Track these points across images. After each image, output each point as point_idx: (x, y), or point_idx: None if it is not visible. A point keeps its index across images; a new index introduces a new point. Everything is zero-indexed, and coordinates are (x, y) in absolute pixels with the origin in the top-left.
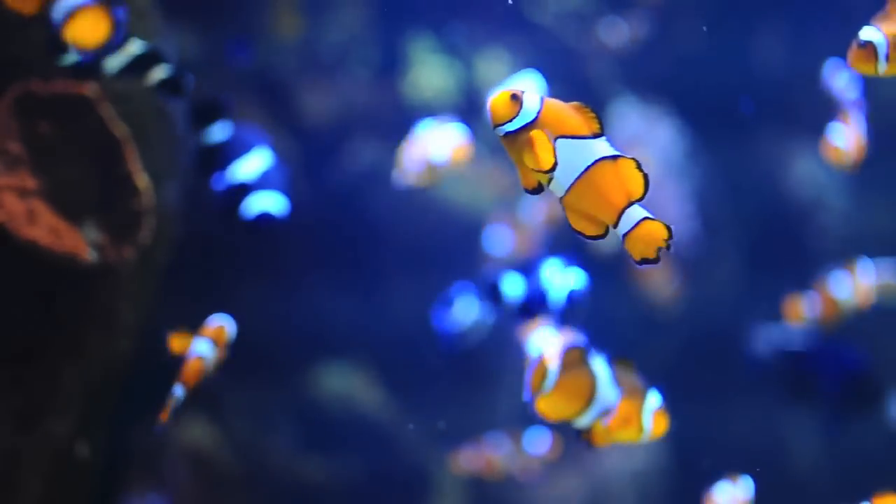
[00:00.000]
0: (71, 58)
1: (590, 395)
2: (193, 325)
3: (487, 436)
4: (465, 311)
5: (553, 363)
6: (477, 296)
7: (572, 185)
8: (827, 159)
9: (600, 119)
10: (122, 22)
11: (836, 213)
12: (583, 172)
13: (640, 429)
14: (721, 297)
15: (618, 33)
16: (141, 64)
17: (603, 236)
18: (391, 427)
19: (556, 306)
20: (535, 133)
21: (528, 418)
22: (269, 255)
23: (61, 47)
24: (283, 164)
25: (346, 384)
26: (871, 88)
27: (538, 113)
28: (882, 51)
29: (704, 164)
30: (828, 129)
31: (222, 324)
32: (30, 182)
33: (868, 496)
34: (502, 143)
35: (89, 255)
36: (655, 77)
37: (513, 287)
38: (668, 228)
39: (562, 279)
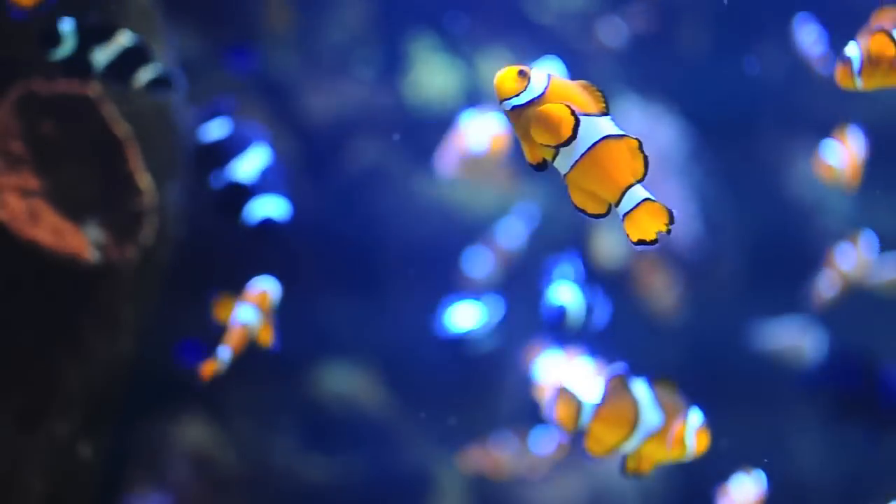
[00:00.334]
0: (63, 52)
1: (634, 421)
2: (195, 325)
3: (494, 435)
4: (468, 315)
5: (585, 396)
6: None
7: (577, 161)
8: (819, 177)
9: (606, 98)
10: None
11: (838, 216)
12: (588, 149)
13: (684, 448)
14: (723, 300)
15: (617, 32)
16: (130, 59)
17: (604, 215)
18: (393, 427)
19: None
20: (550, 107)
21: (530, 418)
22: (271, 255)
23: (53, 41)
24: (281, 161)
25: (349, 384)
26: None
27: (546, 88)
28: (856, 66)
29: (706, 164)
30: (821, 146)
31: (266, 288)
32: (32, 182)
33: None
34: (508, 117)
35: (91, 254)
36: (658, 77)
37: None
38: (670, 212)
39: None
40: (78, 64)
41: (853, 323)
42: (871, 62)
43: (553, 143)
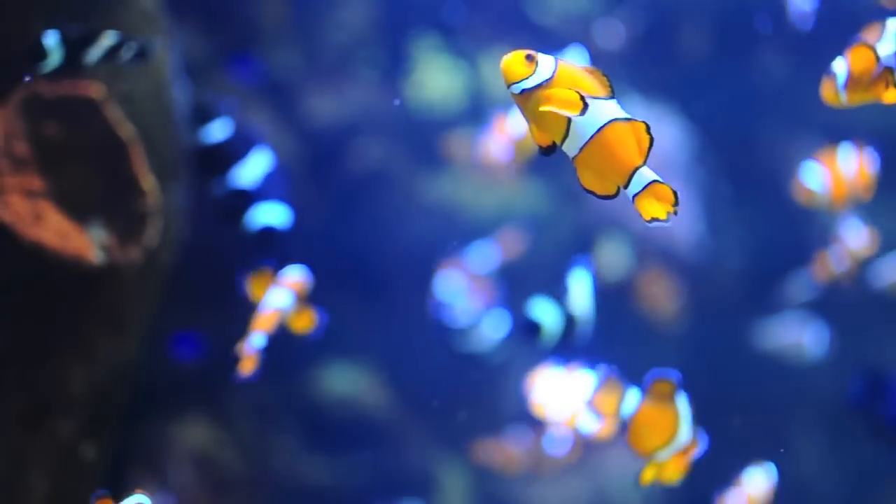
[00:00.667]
0: (51, 64)
1: (673, 432)
2: (198, 326)
3: (509, 428)
4: (468, 312)
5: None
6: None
7: (585, 144)
8: (799, 201)
9: (611, 83)
10: None
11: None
12: (596, 132)
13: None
14: (725, 302)
15: (615, 34)
16: (115, 55)
17: (613, 196)
18: (395, 428)
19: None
20: (559, 90)
21: (533, 420)
22: (275, 256)
23: (40, 55)
24: (283, 166)
25: (351, 385)
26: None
27: (554, 72)
28: (840, 81)
29: (710, 165)
30: (802, 167)
31: (300, 275)
32: (36, 183)
33: None
34: (516, 101)
35: (95, 255)
36: (660, 78)
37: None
38: (675, 194)
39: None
40: (68, 72)
41: (858, 325)
42: (854, 78)
43: (562, 127)
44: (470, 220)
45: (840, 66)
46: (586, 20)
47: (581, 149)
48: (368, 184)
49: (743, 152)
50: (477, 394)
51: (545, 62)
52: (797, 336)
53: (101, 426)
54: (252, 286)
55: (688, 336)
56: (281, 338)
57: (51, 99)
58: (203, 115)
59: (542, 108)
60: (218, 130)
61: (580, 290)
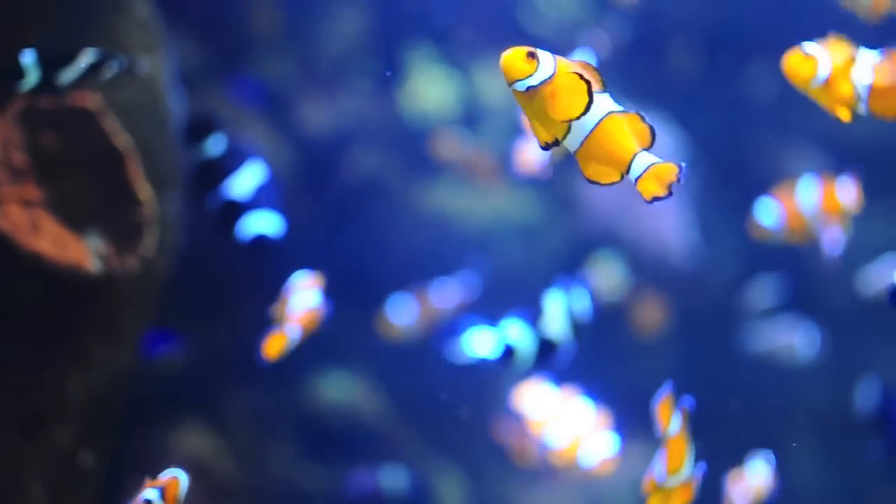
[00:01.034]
0: (29, 83)
1: (684, 459)
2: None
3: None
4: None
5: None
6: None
7: (586, 137)
8: (755, 237)
9: (601, 76)
10: None
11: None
12: (596, 125)
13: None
14: (720, 308)
15: (606, 43)
16: (94, 74)
17: (616, 182)
18: (391, 436)
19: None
20: (564, 79)
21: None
22: (270, 265)
23: (17, 75)
24: (276, 175)
25: (347, 393)
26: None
27: (555, 69)
28: (823, 72)
29: (702, 173)
30: (757, 203)
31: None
32: (34, 193)
33: None
34: (518, 99)
35: (93, 264)
36: (653, 86)
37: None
38: (678, 166)
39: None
40: (46, 91)
41: (849, 328)
42: (877, 90)
43: (572, 118)
44: (464, 229)
45: (820, 52)
46: (579, 29)
47: (582, 142)
48: (362, 193)
49: (735, 160)
50: (472, 401)
51: (546, 59)
52: (788, 339)
53: (99, 434)
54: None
55: (681, 344)
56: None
57: (48, 109)
58: (198, 130)
59: (560, 119)
60: (212, 145)
61: (556, 311)
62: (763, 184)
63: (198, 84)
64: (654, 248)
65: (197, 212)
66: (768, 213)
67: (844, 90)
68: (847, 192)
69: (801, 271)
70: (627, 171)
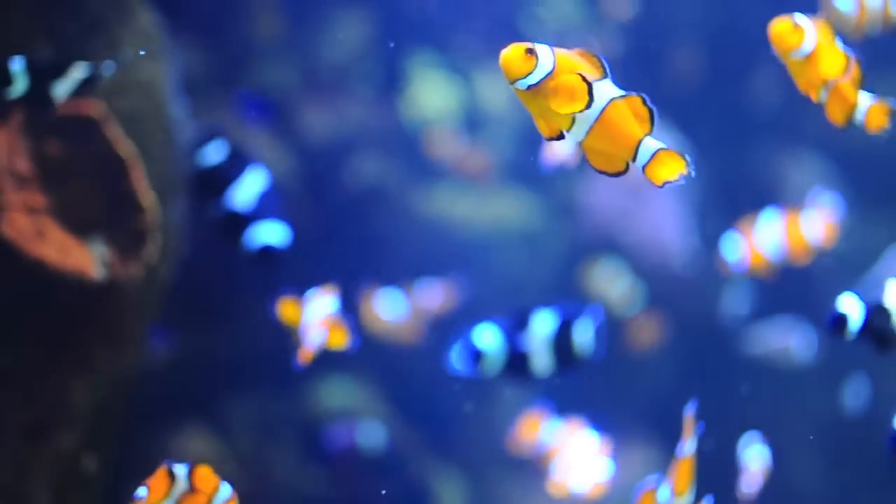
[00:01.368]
0: (17, 90)
1: (692, 481)
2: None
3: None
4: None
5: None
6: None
7: (590, 127)
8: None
9: (603, 62)
10: None
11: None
12: (599, 114)
13: None
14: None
15: (607, 48)
16: (88, 88)
17: (624, 172)
18: (393, 442)
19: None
20: (564, 78)
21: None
22: (273, 271)
23: (5, 81)
24: (278, 183)
25: (349, 399)
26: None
27: (554, 63)
28: (807, 47)
29: (703, 178)
30: (723, 239)
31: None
32: (38, 200)
33: None
34: (520, 97)
35: (97, 271)
36: (654, 92)
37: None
38: (684, 156)
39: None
40: (35, 99)
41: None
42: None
43: (574, 111)
44: (465, 236)
45: (807, 23)
46: (581, 35)
47: (587, 133)
48: (364, 200)
49: (737, 166)
50: (474, 407)
51: (544, 54)
52: (785, 341)
53: (103, 439)
54: (283, 311)
55: (681, 350)
56: (279, 351)
57: (52, 117)
58: (199, 139)
59: (559, 111)
60: (213, 154)
61: (541, 328)
62: (764, 190)
63: (200, 91)
64: (654, 255)
65: (199, 218)
66: (733, 249)
67: (822, 70)
68: (813, 227)
69: (802, 275)
70: (634, 159)
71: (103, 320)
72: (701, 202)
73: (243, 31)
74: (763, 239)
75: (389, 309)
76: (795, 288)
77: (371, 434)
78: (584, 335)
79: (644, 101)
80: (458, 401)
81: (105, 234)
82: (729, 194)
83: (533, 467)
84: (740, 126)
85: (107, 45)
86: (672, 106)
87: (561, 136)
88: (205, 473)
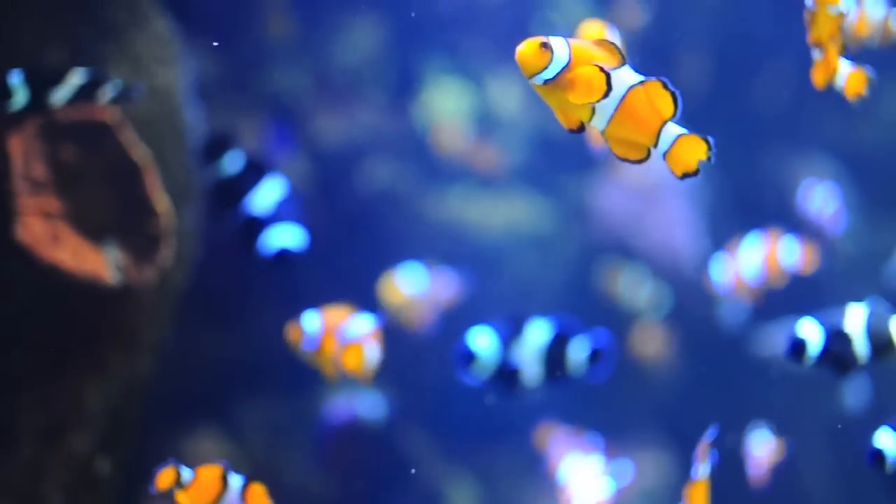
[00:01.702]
0: (17, 103)
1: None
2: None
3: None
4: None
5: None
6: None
7: (611, 116)
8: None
9: (620, 50)
10: None
11: (847, 233)
12: (619, 102)
13: None
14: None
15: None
16: (86, 93)
17: (646, 159)
18: (403, 444)
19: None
20: (581, 70)
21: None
22: (286, 275)
23: (4, 94)
24: (295, 190)
25: (359, 402)
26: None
27: (570, 56)
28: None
29: (714, 182)
30: (711, 259)
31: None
32: (54, 205)
33: None
34: (538, 91)
35: (111, 276)
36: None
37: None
38: (707, 141)
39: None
40: (35, 110)
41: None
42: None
43: (593, 101)
44: (477, 240)
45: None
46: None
47: (608, 122)
48: (377, 204)
49: (748, 169)
50: (485, 409)
51: (559, 46)
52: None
53: (116, 442)
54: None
55: (691, 354)
56: (291, 354)
57: (67, 123)
58: (214, 148)
59: (578, 102)
60: (230, 162)
61: (534, 339)
62: (774, 193)
63: (214, 96)
64: (666, 259)
65: (214, 223)
66: (720, 269)
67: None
68: (789, 254)
69: (811, 277)
70: (655, 145)
71: (117, 324)
72: (712, 206)
73: (257, 36)
74: (744, 264)
75: (410, 284)
76: (804, 290)
77: (372, 406)
78: (578, 353)
79: (665, 85)
80: (472, 407)
81: (119, 238)
82: (740, 198)
83: (544, 474)
84: (751, 130)
85: (121, 50)
86: (683, 110)
87: (582, 128)
88: (258, 492)
